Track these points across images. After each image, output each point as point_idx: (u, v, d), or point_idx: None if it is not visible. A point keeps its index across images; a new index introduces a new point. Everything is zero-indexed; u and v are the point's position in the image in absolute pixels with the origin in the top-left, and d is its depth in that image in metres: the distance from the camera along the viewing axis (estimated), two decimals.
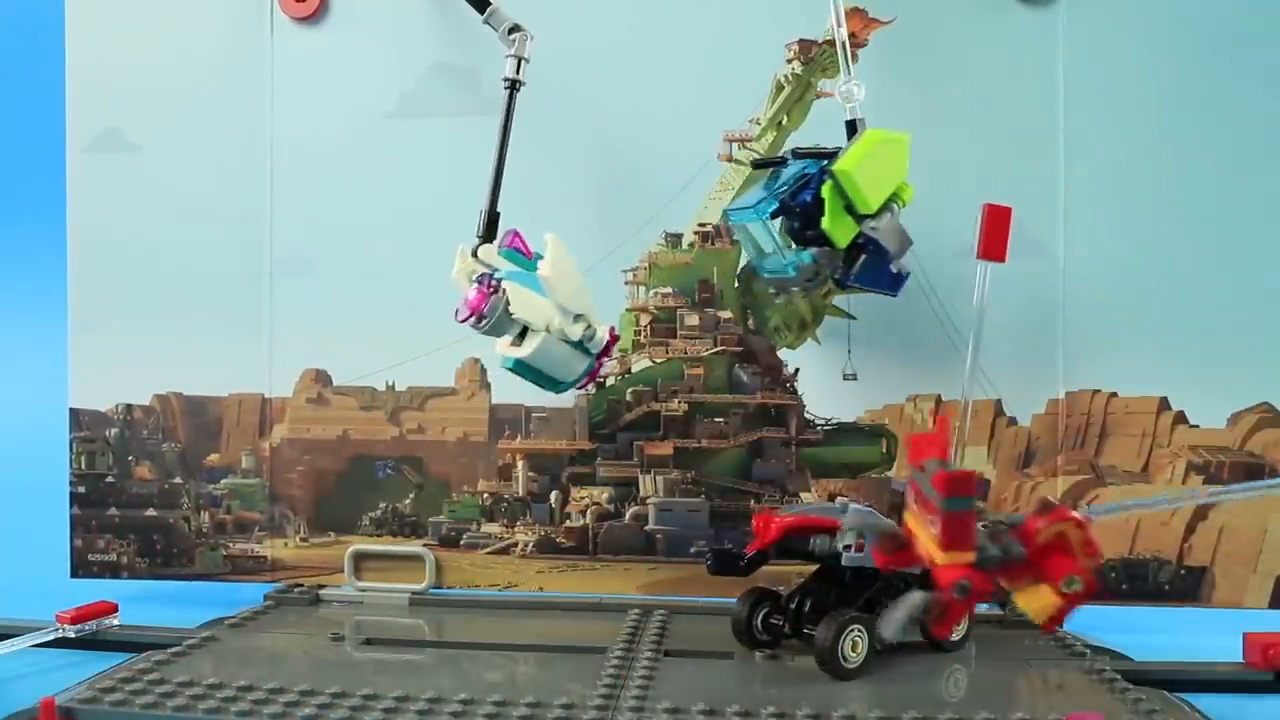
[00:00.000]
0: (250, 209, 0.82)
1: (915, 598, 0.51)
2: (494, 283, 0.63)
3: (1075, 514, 0.51)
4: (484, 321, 0.63)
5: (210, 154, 0.82)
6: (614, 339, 0.66)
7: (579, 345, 0.64)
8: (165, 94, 0.83)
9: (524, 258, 0.65)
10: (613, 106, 0.78)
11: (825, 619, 0.60)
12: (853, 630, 0.59)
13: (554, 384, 0.66)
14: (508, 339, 0.64)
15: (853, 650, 0.59)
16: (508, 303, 0.62)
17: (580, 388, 0.68)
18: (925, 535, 0.51)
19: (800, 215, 0.62)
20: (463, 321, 0.63)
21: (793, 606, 0.63)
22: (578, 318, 0.63)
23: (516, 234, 0.66)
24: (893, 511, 0.63)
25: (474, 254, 0.65)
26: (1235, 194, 0.73)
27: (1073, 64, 0.74)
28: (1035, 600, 0.51)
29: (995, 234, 0.66)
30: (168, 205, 0.83)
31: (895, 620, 0.51)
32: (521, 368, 0.64)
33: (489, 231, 0.66)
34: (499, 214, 0.67)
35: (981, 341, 0.66)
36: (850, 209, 0.61)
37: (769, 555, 0.62)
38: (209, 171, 0.82)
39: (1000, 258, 0.66)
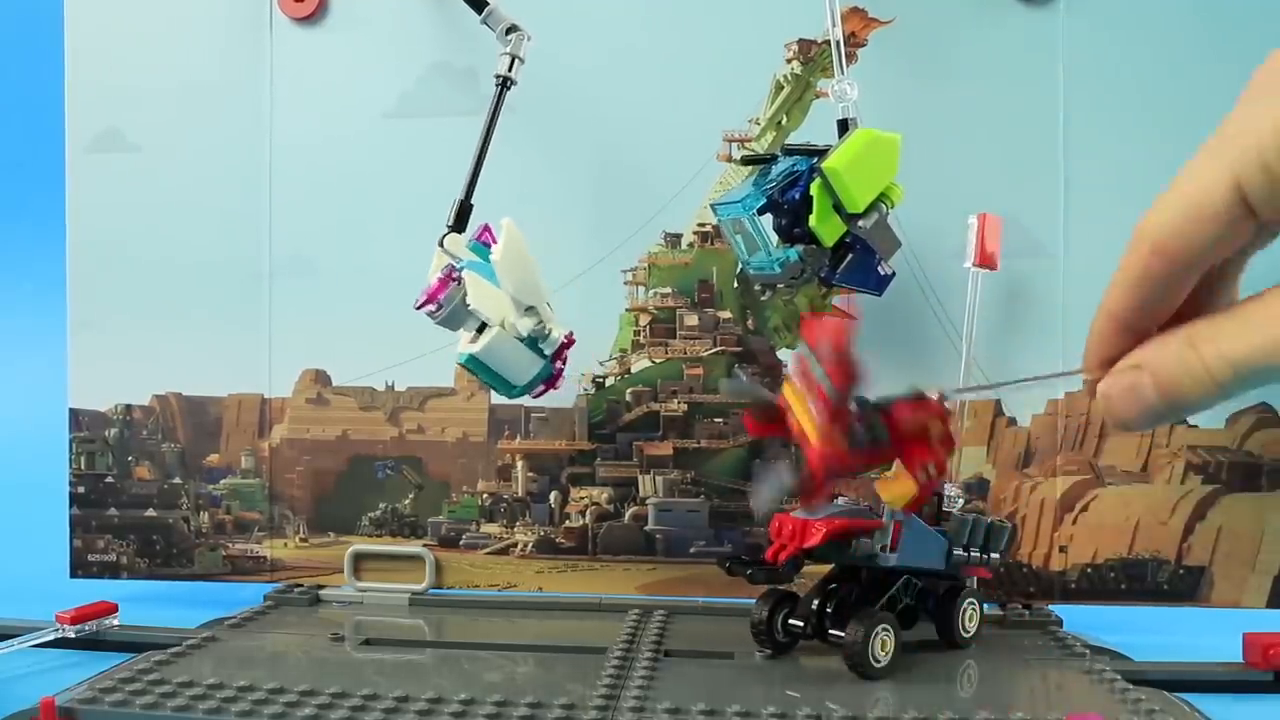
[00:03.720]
0: (250, 209, 0.82)
1: (782, 473, 0.54)
2: (457, 273, 0.62)
3: (941, 406, 0.52)
4: (440, 310, 0.61)
5: (210, 154, 0.82)
6: (569, 343, 0.64)
7: (533, 345, 0.63)
8: (165, 94, 0.83)
9: (489, 251, 0.64)
10: (613, 106, 0.78)
11: (853, 619, 0.59)
12: (882, 630, 0.59)
13: (506, 386, 0.64)
14: (468, 334, 0.63)
15: (882, 650, 0.59)
16: (465, 294, 0.61)
17: (535, 396, 0.66)
18: (804, 413, 0.53)
19: (788, 212, 0.62)
20: (419, 308, 0.62)
21: (814, 607, 0.62)
22: (529, 310, 0.62)
23: (487, 227, 0.65)
24: None
25: (440, 243, 0.64)
26: None
27: (1073, 64, 0.74)
28: (894, 489, 0.57)
29: (988, 243, 0.67)
30: (167, 205, 0.83)
31: (762, 496, 0.55)
32: (475, 364, 0.62)
33: (459, 222, 0.65)
34: (472, 205, 0.66)
35: (974, 346, 0.68)
36: (838, 207, 0.60)
37: (803, 560, 0.61)
38: (209, 171, 0.82)
39: (993, 266, 0.68)
